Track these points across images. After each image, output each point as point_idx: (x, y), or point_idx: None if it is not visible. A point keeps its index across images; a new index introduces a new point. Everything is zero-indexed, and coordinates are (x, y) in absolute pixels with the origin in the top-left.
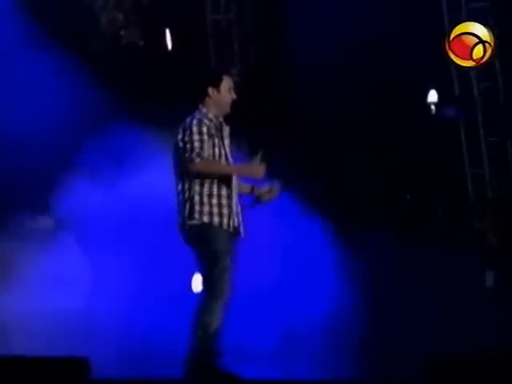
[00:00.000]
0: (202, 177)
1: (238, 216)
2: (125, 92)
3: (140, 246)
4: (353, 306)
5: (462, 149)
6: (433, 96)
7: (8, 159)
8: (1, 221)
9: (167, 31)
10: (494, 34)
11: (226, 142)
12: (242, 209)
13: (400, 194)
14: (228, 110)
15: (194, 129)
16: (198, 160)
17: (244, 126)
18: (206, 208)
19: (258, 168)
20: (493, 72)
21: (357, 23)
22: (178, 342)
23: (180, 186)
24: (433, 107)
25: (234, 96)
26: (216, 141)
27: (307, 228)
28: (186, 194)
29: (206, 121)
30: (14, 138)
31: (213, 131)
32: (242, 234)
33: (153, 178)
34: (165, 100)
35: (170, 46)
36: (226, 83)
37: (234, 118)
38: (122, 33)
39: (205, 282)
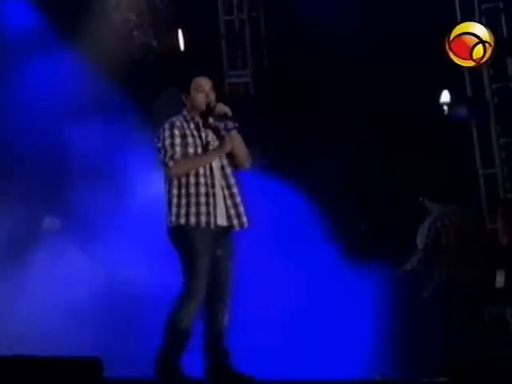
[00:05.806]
0: (182, 176)
1: (235, 208)
2: (136, 92)
3: (152, 244)
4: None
5: (474, 149)
6: (445, 96)
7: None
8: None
9: (180, 32)
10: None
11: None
12: (242, 199)
13: (412, 196)
14: (203, 108)
15: (166, 133)
16: (171, 163)
17: (257, 127)
18: (183, 210)
19: (225, 143)
20: (505, 72)
21: (370, 23)
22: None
23: (164, 188)
24: (445, 108)
25: (209, 94)
26: (190, 140)
27: (319, 227)
28: (167, 197)
29: (177, 122)
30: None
31: (187, 132)
32: (244, 226)
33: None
34: (177, 100)
35: (182, 46)
36: (195, 84)
37: (248, 118)
38: (135, 33)
39: (183, 281)
